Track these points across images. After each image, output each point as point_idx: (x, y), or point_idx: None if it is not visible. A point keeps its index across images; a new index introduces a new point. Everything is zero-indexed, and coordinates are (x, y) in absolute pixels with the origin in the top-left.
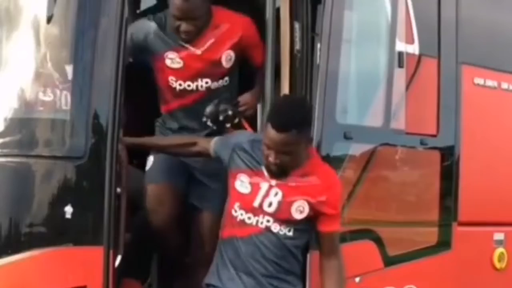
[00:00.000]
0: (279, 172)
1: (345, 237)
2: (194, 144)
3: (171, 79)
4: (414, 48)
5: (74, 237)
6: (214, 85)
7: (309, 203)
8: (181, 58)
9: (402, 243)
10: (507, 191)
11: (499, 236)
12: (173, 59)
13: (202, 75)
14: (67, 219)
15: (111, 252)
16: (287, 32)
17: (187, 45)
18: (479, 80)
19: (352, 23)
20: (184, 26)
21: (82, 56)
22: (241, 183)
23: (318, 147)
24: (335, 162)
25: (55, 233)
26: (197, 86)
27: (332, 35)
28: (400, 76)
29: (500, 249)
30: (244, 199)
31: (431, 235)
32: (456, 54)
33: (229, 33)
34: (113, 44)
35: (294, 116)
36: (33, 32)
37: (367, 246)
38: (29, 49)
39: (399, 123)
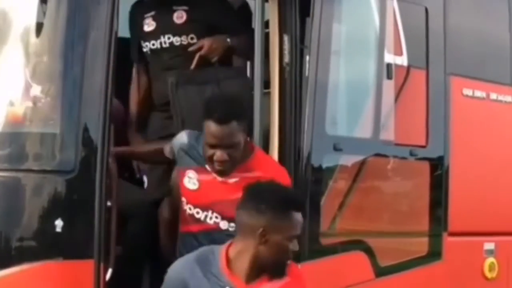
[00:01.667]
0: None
1: (336, 248)
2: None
3: (183, 200)
4: (402, 60)
5: (65, 251)
6: (224, 224)
7: None
8: (198, 180)
9: (393, 253)
10: (497, 201)
11: (489, 246)
12: (191, 179)
13: (215, 208)
14: (58, 232)
15: (101, 265)
16: (276, 44)
17: (210, 169)
18: (467, 91)
19: (341, 35)
20: (218, 154)
21: (71, 70)
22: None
23: (308, 159)
24: (325, 173)
25: (46, 246)
26: (205, 217)
27: (321, 47)
28: (389, 87)
29: (491, 259)
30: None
31: (421, 245)
32: (444, 66)
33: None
34: (102, 57)
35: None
36: (22, 45)
37: (358, 257)
38: (18, 62)
39: (388, 134)
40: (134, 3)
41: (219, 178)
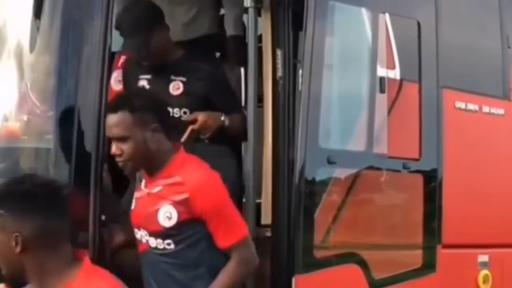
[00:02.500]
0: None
1: (330, 261)
2: None
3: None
4: (395, 73)
5: None
6: (152, 242)
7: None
8: (135, 198)
9: (387, 266)
10: (490, 213)
11: (483, 258)
12: (133, 200)
13: (143, 225)
14: None
15: None
16: (269, 59)
17: (143, 186)
18: (460, 104)
19: (334, 49)
20: (112, 147)
21: (65, 84)
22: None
23: (302, 172)
24: (319, 186)
25: None
26: (141, 237)
27: (314, 61)
28: (382, 101)
29: (485, 271)
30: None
31: (415, 258)
32: (437, 79)
33: (175, 188)
34: (96, 72)
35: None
36: (16, 60)
37: (352, 270)
38: (12, 78)
39: (381, 147)
40: (127, 61)
41: (145, 190)
